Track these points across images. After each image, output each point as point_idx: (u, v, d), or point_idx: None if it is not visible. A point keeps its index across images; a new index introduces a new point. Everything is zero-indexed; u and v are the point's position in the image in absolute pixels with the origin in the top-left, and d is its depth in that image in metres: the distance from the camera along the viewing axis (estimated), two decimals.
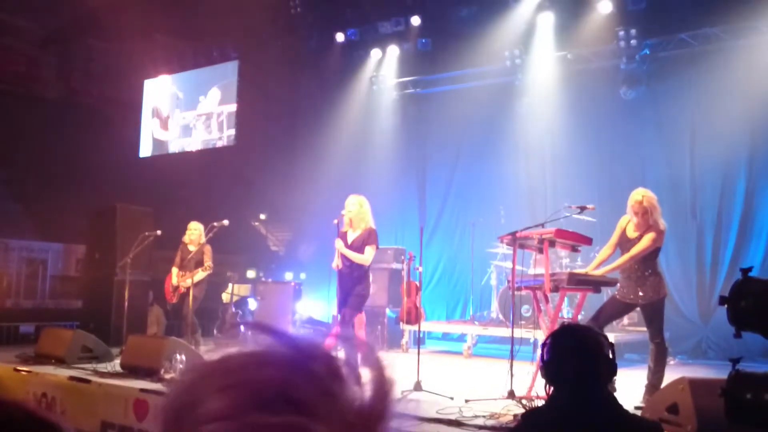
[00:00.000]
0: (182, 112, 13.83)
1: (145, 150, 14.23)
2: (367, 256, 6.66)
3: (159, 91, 14.21)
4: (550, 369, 2.42)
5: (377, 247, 6.83)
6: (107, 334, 8.68)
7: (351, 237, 6.80)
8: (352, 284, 6.69)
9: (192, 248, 8.64)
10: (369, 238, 6.70)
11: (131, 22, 11.68)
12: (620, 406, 2.32)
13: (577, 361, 2.33)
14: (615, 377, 2.32)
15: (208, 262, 8.48)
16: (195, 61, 13.60)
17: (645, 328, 5.94)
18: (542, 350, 2.47)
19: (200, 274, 8.41)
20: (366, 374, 0.68)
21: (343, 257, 6.73)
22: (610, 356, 2.35)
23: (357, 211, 6.75)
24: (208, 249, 8.59)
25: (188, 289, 8.28)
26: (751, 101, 9.13)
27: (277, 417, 0.59)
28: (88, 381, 6.50)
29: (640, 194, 5.68)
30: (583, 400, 2.28)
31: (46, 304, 12.04)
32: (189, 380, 0.66)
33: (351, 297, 6.68)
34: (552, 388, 2.42)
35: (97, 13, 12.18)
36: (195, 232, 8.68)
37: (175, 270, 8.69)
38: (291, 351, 0.67)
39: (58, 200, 12.25)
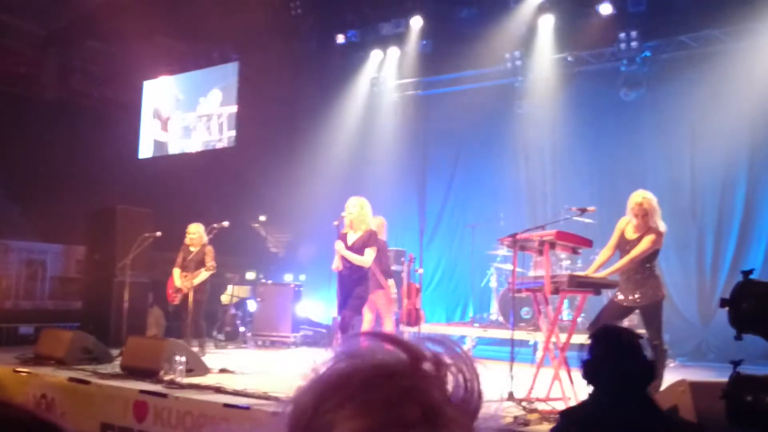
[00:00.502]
0: (182, 113, 13.83)
1: (145, 151, 14.23)
2: (366, 258, 6.65)
3: (159, 93, 14.21)
4: (590, 369, 2.44)
5: (377, 249, 6.82)
6: (107, 335, 8.68)
7: (351, 239, 6.79)
8: (352, 286, 6.69)
9: (194, 249, 8.63)
10: (369, 240, 6.69)
11: (131, 24, 11.67)
12: (659, 408, 2.33)
13: (617, 362, 2.35)
14: (655, 380, 2.34)
15: (210, 262, 8.48)
16: (195, 62, 13.60)
17: (644, 330, 5.93)
18: (583, 350, 2.49)
19: (203, 275, 8.41)
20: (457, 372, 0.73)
21: (343, 259, 6.72)
22: (650, 359, 2.36)
23: (358, 213, 6.74)
24: (209, 250, 8.59)
25: (191, 290, 8.29)
26: (752, 104, 9.12)
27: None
28: (87, 382, 6.49)
29: (639, 196, 5.67)
30: (623, 400, 2.30)
31: (46, 305, 12.02)
32: (312, 404, 0.68)
33: (351, 299, 6.67)
34: (592, 388, 2.44)
35: (97, 15, 12.18)
36: (194, 235, 8.67)
37: (177, 271, 8.67)
38: (401, 353, 0.71)
39: (57, 201, 12.23)
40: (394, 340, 0.72)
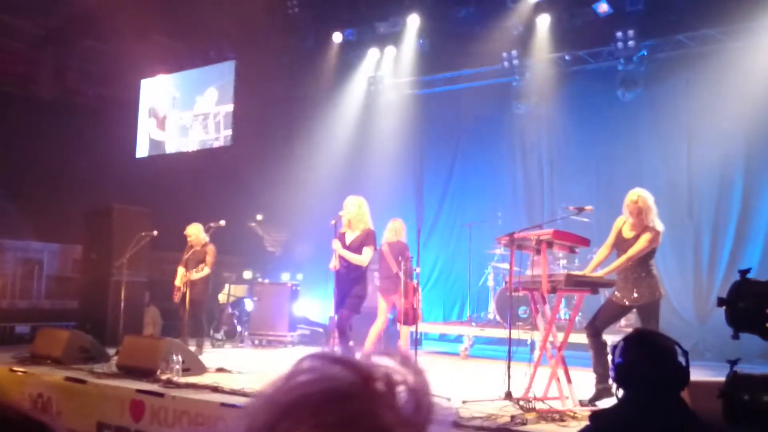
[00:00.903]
0: (179, 112, 13.80)
1: (142, 150, 14.20)
2: (364, 257, 6.65)
3: (156, 92, 14.19)
4: (621, 372, 2.42)
5: (375, 248, 6.81)
6: (103, 334, 8.67)
7: (349, 238, 6.78)
8: (350, 285, 6.68)
9: (197, 248, 8.65)
10: (367, 239, 6.68)
11: (128, 23, 11.64)
12: (692, 413, 2.32)
13: (649, 366, 2.33)
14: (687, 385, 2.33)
15: (210, 259, 8.50)
16: (192, 61, 13.58)
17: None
18: (613, 353, 2.47)
19: (194, 276, 8.40)
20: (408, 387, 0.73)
21: (341, 258, 6.71)
22: (683, 364, 2.35)
23: (355, 213, 6.73)
24: (210, 249, 8.63)
25: (189, 289, 8.31)
26: (748, 103, 9.13)
27: None
28: (84, 381, 6.48)
29: (635, 194, 5.68)
30: (654, 405, 2.28)
31: (42, 304, 12.00)
32: (265, 425, 0.70)
33: (348, 298, 6.66)
34: (622, 391, 2.42)
35: (94, 14, 12.14)
36: (192, 236, 8.67)
37: (181, 270, 8.68)
38: (352, 374, 0.71)
39: (54, 200, 12.21)
40: (346, 362, 0.72)
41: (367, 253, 6.65)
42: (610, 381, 5.52)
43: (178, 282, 8.62)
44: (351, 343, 7.00)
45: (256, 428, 0.69)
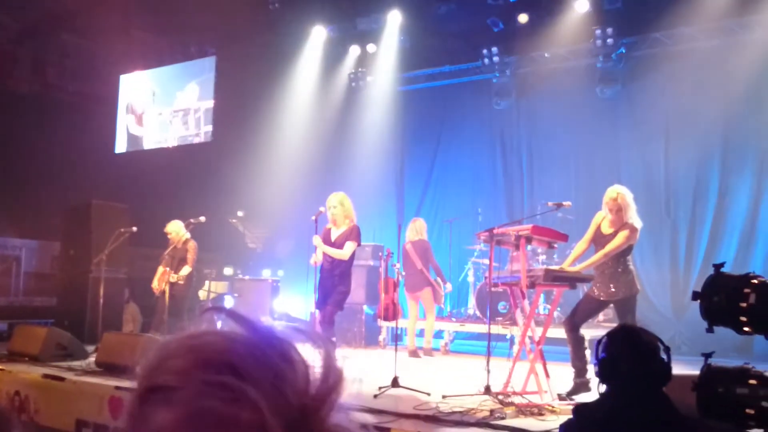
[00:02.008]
0: (159, 108, 13.72)
1: (121, 146, 14.10)
2: (345, 251, 6.64)
3: (135, 87, 14.09)
4: (605, 367, 2.44)
5: (359, 244, 6.79)
6: (82, 331, 8.60)
7: (335, 234, 6.77)
8: (334, 281, 6.66)
9: (178, 246, 8.59)
10: (351, 234, 6.68)
11: (107, 17, 11.55)
12: (674, 409, 2.34)
13: (633, 362, 2.35)
14: (670, 380, 2.35)
15: (191, 257, 8.43)
16: (172, 56, 13.50)
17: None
18: (597, 348, 2.49)
19: (173, 278, 8.33)
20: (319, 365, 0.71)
21: (325, 254, 6.71)
22: (666, 359, 2.38)
23: (339, 210, 6.72)
24: (191, 246, 8.55)
25: (170, 286, 8.27)
26: (725, 101, 9.25)
27: (217, 377, 0.65)
28: (62, 379, 6.44)
29: (615, 191, 5.73)
30: (637, 399, 2.31)
31: (20, 301, 11.89)
32: (161, 346, 0.72)
33: (333, 294, 6.63)
34: (605, 386, 2.44)
35: (72, 8, 12.04)
36: (172, 233, 8.60)
37: (160, 270, 8.59)
38: (249, 333, 0.71)
39: (32, 196, 12.09)
40: (249, 323, 0.72)
41: (349, 247, 6.64)
42: (588, 375, 5.60)
43: (155, 283, 8.53)
44: (334, 338, 7.00)
45: (147, 365, 0.71)
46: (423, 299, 8.82)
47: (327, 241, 6.73)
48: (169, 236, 8.62)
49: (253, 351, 0.68)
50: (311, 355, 0.71)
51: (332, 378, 0.70)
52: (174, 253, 8.56)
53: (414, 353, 8.72)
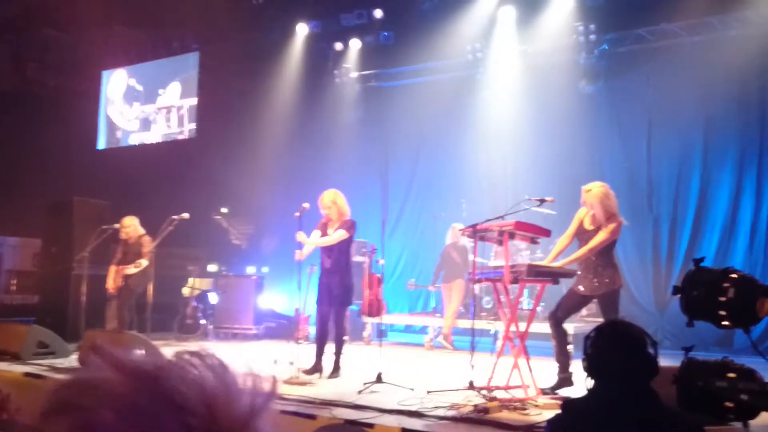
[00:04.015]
0: (141, 105, 13.62)
1: (103, 142, 14.00)
2: (331, 237, 6.61)
3: (118, 83, 13.98)
4: (593, 362, 2.44)
5: (352, 235, 6.74)
6: (64, 329, 8.51)
7: (330, 231, 6.76)
8: (336, 279, 6.60)
9: (131, 241, 8.49)
10: (343, 225, 6.66)
11: (89, 12, 11.45)
12: (662, 403, 2.36)
13: (620, 356, 2.36)
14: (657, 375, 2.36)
15: (145, 250, 8.34)
16: (154, 52, 13.40)
17: (602, 320, 6.03)
18: (585, 343, 2.50)
19: (131, 271, 8.26)
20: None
21: (324, 253, 6.69)
22: (653, 354, 2.39)
23: (334, 208, 6.71)
24: (146, 240, 8.46)
25: (124, 279, 8.21)
26: (706, 97, 9.33)
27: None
28: (44, 377, 6.39)
29: (596, 187, 5.76)
30: (625, 394, 2.32)
31: (1, 299, 11.79)
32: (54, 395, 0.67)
33: (337, 292, 6.59)
34: (593, 381, 2.45)
35: (53, 2, 11.93)
36: (129, 228, 8.49)
37: (112, 269, 8.45)
38: (126, 381, 0.66)
39: (13, 193, 11.98)
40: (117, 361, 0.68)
41: (337, 234, 6.60)
42: (571, 370, 5.62)
43: (110, 283, 8.39)
44: (346, 337, 7.00)
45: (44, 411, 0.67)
46: (455, 289, 9.24)
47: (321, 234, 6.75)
48: (125, 230, 8.48)
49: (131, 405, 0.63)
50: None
51: (240, 405, 0.66)
52: (126, 248, 8.47)
53: (447, 337, 9.18)
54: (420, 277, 11.75)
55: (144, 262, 8.36)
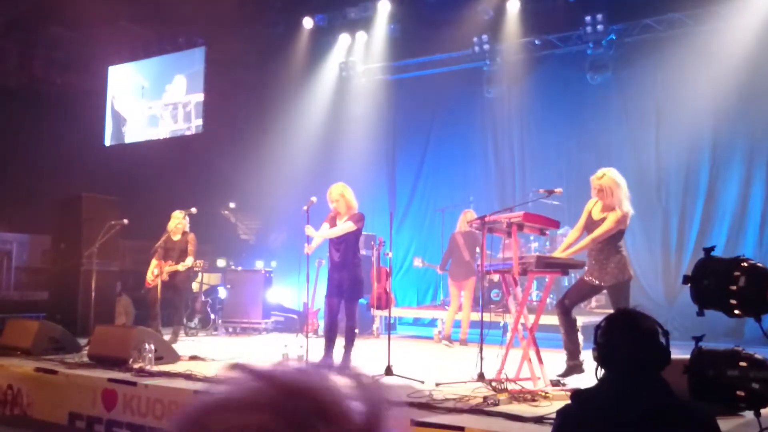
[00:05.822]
0: (148, 101, 13.64)
1: (111, 139, 14.03)
2: (337, 229, 6.60)
3: (124, 79, 14.01)
4: (603, 352, 2.43)
5: (360, 228, 6.71)
6: (74, 324, 8.57)
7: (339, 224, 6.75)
8: (345, 272, 6.57)
9: (176, 237, 8.58)
10: (351, 218, 6.63)
11: (95, 9, 11.45)
12: (673, 393, 2.35)
13: (631, 346, 2.35)
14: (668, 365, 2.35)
15: (192, 248, 8.48)
16: (160, 47, 13.40)
17: (612, 311, 6.01)
18: (596, 332, 2.48)
19: (181, 267, 8.38)
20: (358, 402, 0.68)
21: (332, 246, 6.67)
22: (664, 344, 2.38)
23: (342, 202, 6.69)
24: (192, 238, 8.59)
25: (170, 277, 8.30)
26: (715, 86, 9.26)
27: None
28: (55, 372, 6.42)
29: (601, 171, 5.73)
30: (636, 384, 2.30)
31: (11, 295, 11.84)
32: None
33: (347, 286, 6.58)
34: (603, 371, 2.44)
35: (60, 0, 11.93)
36: (175, 220, 8.61)
37: (154, 262, 8.59)
38: (275, 392, 0.65)
39: (22, 190, 12.03)
40: (271, 376, 0.67)
41: (344, 226, 6.59)
42: (581, 358, 5.60)
43: (150, 276, 8.53)
44: (356, 330, 7.00)
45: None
46: (466, 289, 8.80)
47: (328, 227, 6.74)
48: (174, 221, 8.59)
49: (293, 420, 0.63)
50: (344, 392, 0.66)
51: (373, 413, 0.67)
52: (171, 245, 8.54)
53: (448, 339, 8.81)
54: (428, 271, 11.73)
55: (191, 260, 8.45)
